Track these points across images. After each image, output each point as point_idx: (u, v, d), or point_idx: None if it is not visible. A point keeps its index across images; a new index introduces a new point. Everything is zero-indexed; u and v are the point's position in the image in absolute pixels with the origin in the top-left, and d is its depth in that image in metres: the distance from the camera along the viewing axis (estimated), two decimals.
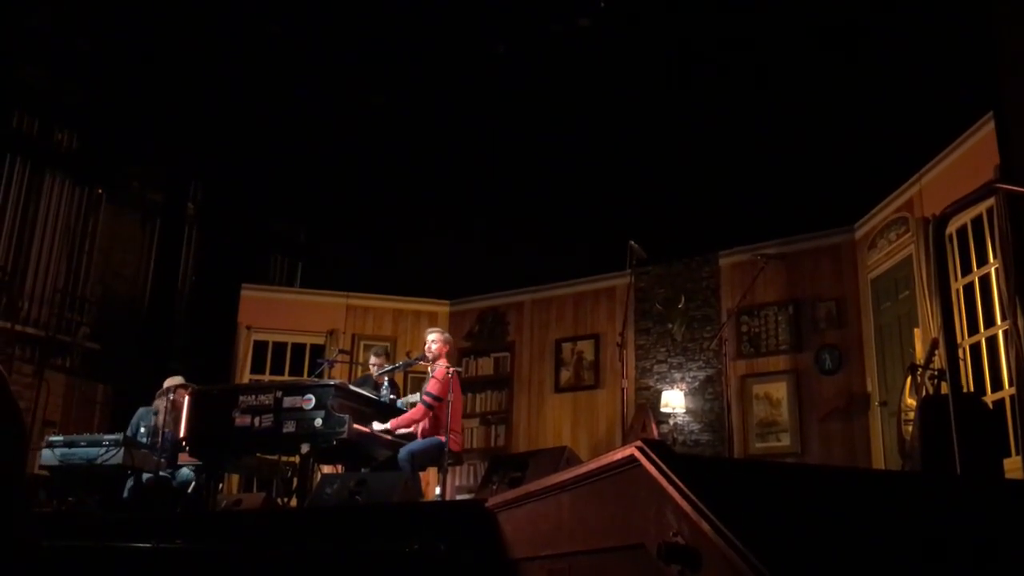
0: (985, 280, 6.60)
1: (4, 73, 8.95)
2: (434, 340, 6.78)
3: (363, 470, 6.41)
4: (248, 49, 9.49)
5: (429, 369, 6.74)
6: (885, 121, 7.65)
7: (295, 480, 6.97)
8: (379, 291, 10.60)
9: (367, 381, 7.28)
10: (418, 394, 6.86)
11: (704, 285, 9.40)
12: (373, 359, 7.48)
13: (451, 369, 6.52)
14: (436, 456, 6.33)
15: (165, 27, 9.20)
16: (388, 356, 8.11)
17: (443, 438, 6.29)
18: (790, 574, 1.59)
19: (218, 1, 8.87)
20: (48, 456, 6.49)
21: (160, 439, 6.71)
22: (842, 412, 8.19)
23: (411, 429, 6.49)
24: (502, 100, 9.61)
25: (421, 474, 7.27)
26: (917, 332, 7.11)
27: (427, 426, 6.49)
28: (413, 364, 7.54)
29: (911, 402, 6.14)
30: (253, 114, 10.22)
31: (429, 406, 6.42)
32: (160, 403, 7.07)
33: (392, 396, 7.12)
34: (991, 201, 6.11)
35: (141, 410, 7.27)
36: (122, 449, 6.38)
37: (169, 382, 7.18)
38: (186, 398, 6.48)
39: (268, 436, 5.97)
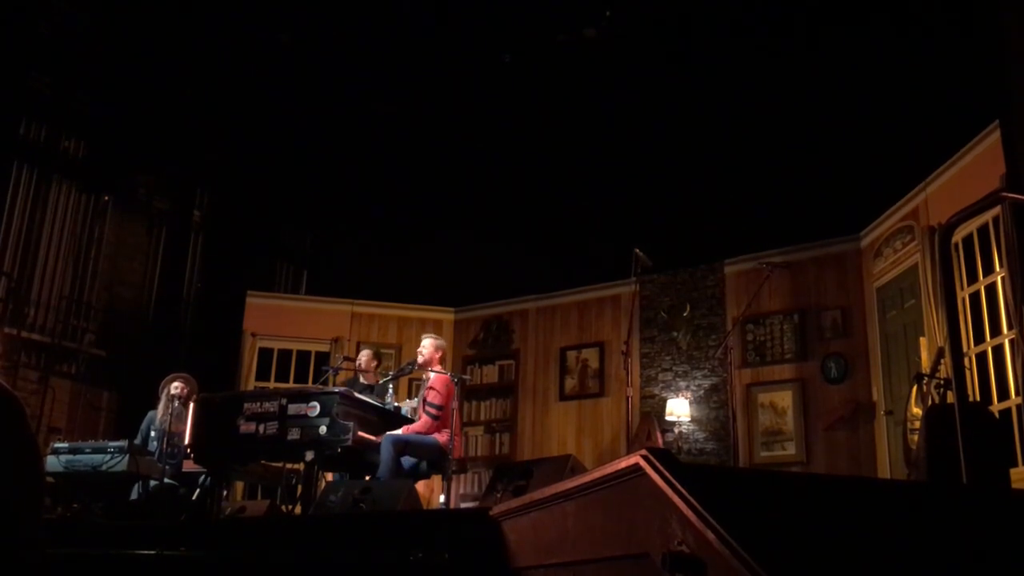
0: (991, 289, 6.59)
1: (11, 80, 8.98)
2: (425, 346, 6.73)
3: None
4: (255, 57, 9.54)
5: (424, 376, 6.71)
6: (891, 130, 7.65)
7: (299, 487, 6.96)
8: (384, 299, 10.61)
9: (355, 383, 7.26)
10: (415, 400, 6.83)
11: (709, 293, 9.39)
12: (364, 355, 7.49)
13: (454, 376, 6.51)
14: (431, 455, 6.31)
15: (172, 35, 9.25)
16: (379, 357, 8.06)
17: (443, 439, 6.28)
18: None
19: (225, 10, 8.92)
20: (53, 463, 6.48)
21: (165, 442, 6.70)
22: (848, 421, 8.17)
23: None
24: (507, 109, 9.63)
25: (425, 481, 7.28)
26: (923, 341, 7.09)
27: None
28: (407, 372, 7.53)
29: (917, 411, 6.11)
30: (259, 122, 10.26)
31: (435, 417, 6.40)
32: (163, 403, 7.05)
33: (396, 404, 7.12)
34: (997, 210, 6.11)
35: (151, 413, 7.26)
36: (127, 456, 6.37)
37: (171, 382, 7.16)
38: (191, 404, 6.47)
39: (273, 443, 5.95)
